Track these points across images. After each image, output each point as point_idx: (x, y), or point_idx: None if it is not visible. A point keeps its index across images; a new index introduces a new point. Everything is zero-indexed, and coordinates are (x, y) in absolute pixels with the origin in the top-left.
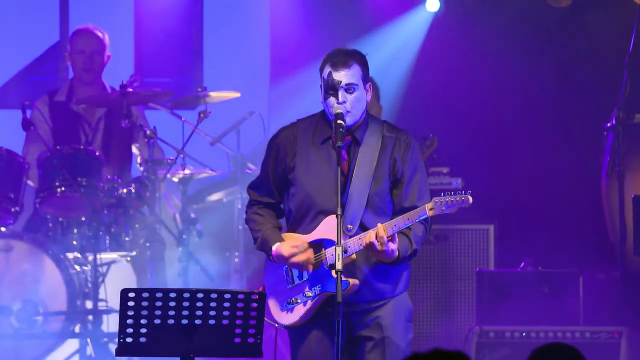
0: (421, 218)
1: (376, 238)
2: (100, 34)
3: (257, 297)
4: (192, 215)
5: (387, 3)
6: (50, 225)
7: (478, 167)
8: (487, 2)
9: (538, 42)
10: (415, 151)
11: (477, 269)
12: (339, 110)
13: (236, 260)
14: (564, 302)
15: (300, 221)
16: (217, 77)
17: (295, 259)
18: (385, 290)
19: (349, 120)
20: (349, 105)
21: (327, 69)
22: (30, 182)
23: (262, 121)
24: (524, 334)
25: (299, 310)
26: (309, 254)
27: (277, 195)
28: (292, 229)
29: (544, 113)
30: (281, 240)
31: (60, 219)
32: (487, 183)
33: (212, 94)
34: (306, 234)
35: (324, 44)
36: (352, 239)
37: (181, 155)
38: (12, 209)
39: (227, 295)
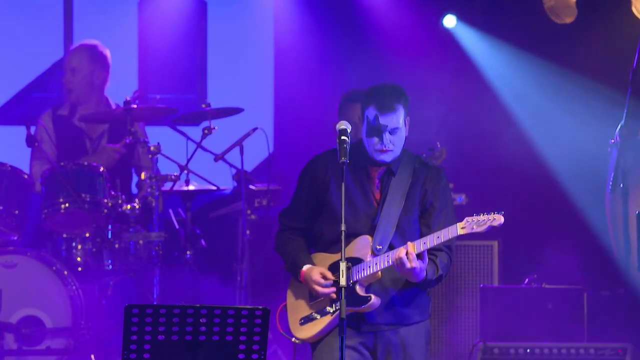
0: (452, 237)
1: (406, 255)
2: (102, 50)
3: (261, 313)
4: (196, 231)
5: (398, 19)
6: (55, 241)
7: (482, 183)
8: (496, 20)
9: (544, 58)
10: (445, 185)
11: (482, 285)
12: (342, 127)
13: (240, 276)
14: (568, 318)
15: (329, 242)
16: (221, 94)
17: (317, 288)
18: (409, 315)
19: (389, 157)
20: (391, 145)
21: (373, 111)
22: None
23: (266, 137)
24: (528, 350)
25: (318, 326)
26: (331, 289)
27: (307, 220)
28: (321, 249)
29: (548, 130)
30: (311, 262)
31: (65, 235)
32: (491, 199)
33: (216, 110)
34: (333, 254)
35: (330, 60)
36: (377, 257)
37: (185, 172)
38: (17, 225)
39: (231, 312)
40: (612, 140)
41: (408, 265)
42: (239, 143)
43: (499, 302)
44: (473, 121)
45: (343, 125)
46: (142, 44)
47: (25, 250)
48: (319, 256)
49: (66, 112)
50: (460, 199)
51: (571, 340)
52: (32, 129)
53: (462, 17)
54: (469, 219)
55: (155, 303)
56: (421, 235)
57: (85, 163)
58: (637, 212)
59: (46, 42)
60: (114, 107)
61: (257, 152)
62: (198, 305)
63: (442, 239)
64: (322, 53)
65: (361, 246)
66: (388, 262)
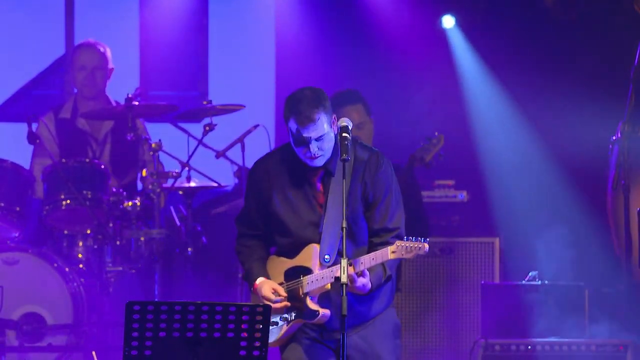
0: (383, 259)
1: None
2: (101, 49)
3: (262, 309)
4: (198, 228)
5: (397, 18)
6: (56, 237)
7: (483, 180)
8: (495, 17)
9: (545, 56)
10: (386, 171)
11: (483, 282)
12: (344, 124)
13: (241, 273)
14: (570, 315)
15: (283, 248)
16: (222, 90)
17: (268, 302)
18: (367, 311)
19: (321, 161)
20: (320, 152)
21: (294, 125)
22: (36, 195)
23: (267, 134)
24: (529, 347)
25: (276, 333)
26: (283, 304)
27: (261, 226)
28: (277, 253)
29: (549, 126)
30: (264, 274)
31: (66, 232)
32: (492, 196)
33: (217, 107)
34: (289, 259)
35: (331, 57)
36: (324, 271)
37: (186, 168)
38: (18, 222)
39: (232, 308)
40: (614, 137)
41: (350, 285)
42: (240, 140)
43: (500, 299)
44: (474, 118)
45: (344, 122)
46: (143, 41)
47: (26, 247)
48: (275, 260)
49: (68, 114)
50: (462, 196)
51: (572, 337)
52: (34, 126)
53: (461, 18)
54: (399, 243)
55: (156, 300)
56: (369, 229)
57: (87, 160)
58: (638, 209)
59: (47, 40)
60: (114, 104)
61: (258, 149)
62: (199, 302)
63: (376, 261)
64: (324, 50)
65: (309, 256)
66: (331, 278)
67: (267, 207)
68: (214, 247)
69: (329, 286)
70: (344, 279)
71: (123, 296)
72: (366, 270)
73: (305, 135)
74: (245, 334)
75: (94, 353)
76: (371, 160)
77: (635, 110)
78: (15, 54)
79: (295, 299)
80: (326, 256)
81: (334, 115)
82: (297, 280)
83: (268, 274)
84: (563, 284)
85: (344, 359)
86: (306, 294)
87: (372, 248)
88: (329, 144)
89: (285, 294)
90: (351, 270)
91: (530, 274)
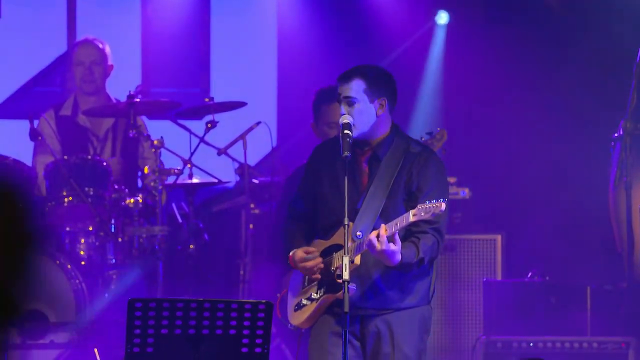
0: (407, 222)
1: (377, 237)
2: (100, 45)
3: (264, 307)
4: (200, 225)
5: (396, 13)
6: (58, 234)
7: (485, 177)
8: (496, 13)
9: (546, 53)
10: (433, 167)
11: (485, 279)
12: (345, 121)
13: (242, 270)
14: (572, 312)
15: (324, 229)
16: (224, 87)
17: (303, 264)
18: (395, 299)
19: (354, 132)
20: (350, 118)
21: (337, 81)
22: (38, 192)
23: (269, 131)
24: (531, 344)
25: (306, 312)
26: (317, 261)
27: (311, 204)
28: (319, 236)
29: (551, 123)
30: (300, 247)
31: (68, 229)
32: (494, 193)
33: (219, 104)
34: (326, 240)
35: (332, 54)
36: (354, 244)
37: (188, 166)
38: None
39: (234, 305)
40: (616, 134)
41: (378, 247)
42: (242, 137)
43: (502, 296)
44: (476, 115)
45: (346, 119)
46: (145, 38)
47: None
48: (314, 243)
49: (69, 111)
50: (464, 193)
51: (574, 335)
52: (35, 123)
53: (456, 14)
54: (420, 206)
55: (158, 297)
56: None
57: (89, 157)
58: (639, 206)
59: (49, 37)
60: (114, 101)
61: (260, 146)
62: (201, 299)
63: (399, 225)
64: (325, 47)
65: (342, 233)
66: (362, 247)
67: (316, 187)
68: (215, 244)
69: (358, 261)
70: (345, 276)
71: (125, 293)
72: (398, 239)
73: (338, 91)
74: (247, 331)
75: (96, 350)
76: (422, 154)
77: (637, 107)
78: (17, 51)
79: (327, 276)
80: (358, 233)
81: (383, 99)
82: (329, 257)
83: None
84: (565, 282)
85: (346, 356)
86: (336, 269)
87: (410, 236)
88: (361, 117)
89: (316, 251)
90: (382, 232)
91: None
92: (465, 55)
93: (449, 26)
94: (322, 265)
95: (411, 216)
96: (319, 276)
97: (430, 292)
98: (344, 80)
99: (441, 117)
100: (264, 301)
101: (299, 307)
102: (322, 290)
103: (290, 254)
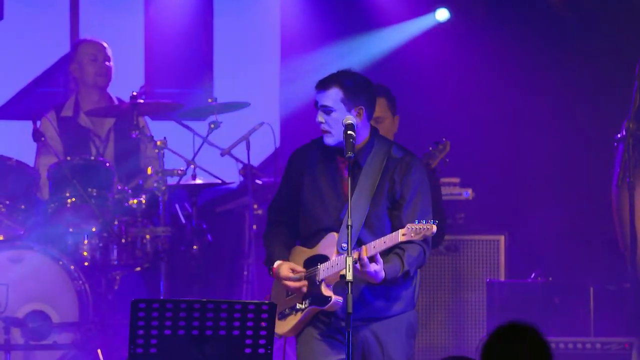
0: (395, 243)
1: (358, 260)
2: (105, 45)
3: (268, 307)
4: (203, 225)
5: (398, 14)
6: (61, 236)
7: (488, 178)
8: (496, 12)
9: (548, 52)
10: (416, 172)
11: (488, 280)
12: (349, 122)
13: (246, 271)
14: (575, 313)
15: (306, 237)
16: (228, 88)
17: (287, 283)
18: (382, 308)
19: (329, 140)
20: (326, 126)
21: (315, 88)
22: (41, 193)
23: (272, 132)
24: None
25: (290, 322)
26: (302, 283)
27: (290, 213)
28: (300, 243)
29: (554, 124)
30: (284, 258)
31: (71, 230)
32: (497, 193)
33: (222, 104)
34: (310, 248)
35: (336, 55)
36: (339, 257)
37: (191, 166)
38: (23, 219)
39: (238, 306)
40: (619, 135)
41: (360, 269)
42: (245, 138)
43: (506, 296)
44: (479, 115)
45: (350, 119)
46: (148, 38)
47: (31, 245)
48: (297, 250)
49: (70, 112)
50: (467, 193)
51: (577, 335)
52: (38, 124)
53: (456, 11)
54: (409, 226)
55: (162, 298)
56: (393, 228)
57: (92, 157)
58: None
59: (52, 37)
60: (116, 102)
61: (263, 146)
62: (205, 299)
63: (387, 244)
64: (328, 47)
65: (328, 243)
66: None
67: (297, 193)
68: (219, 245)
69: (343, 272)
70: (349, 276)
71: (128, 294)
72: (380, 257)
73: (316, 99)
74: (250, 332)
75: (99, 351)
76: (404, 160)
77: (639, 108)
78: (19, 52)
79: (312, 287)
80: (343, 244)
81: (360, 107)
82: (314, 268)
83: (289, 259)
84: (568, 282)
85: (350, 357)
86: (322, 281)
87: (397, 246)
88: (337, 125)
89: (303, 271)
90: (364, 253)
91: None
92: (466, 53)
93: (449, 23)
94: (306, 285)
95: (400, 236)
96: (304, 290)
97: (415, 296)
98: (321, 88)
99: (443, 117)
100: (267, 302)
101: (283, 316)
102: (307, 302)
103: (275, 265)
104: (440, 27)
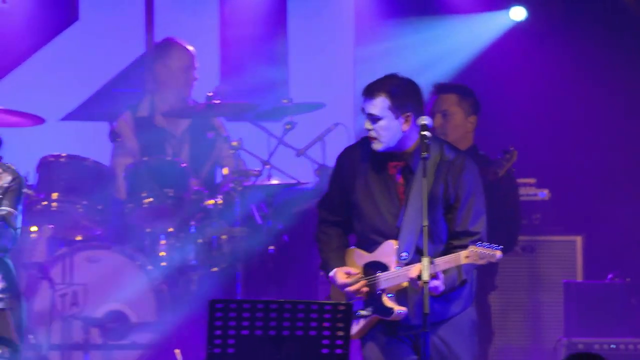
0: (457, 264)
1: (417, 277)
2: (190, 49)
3: (344, 308)
4: (279, 226)
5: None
6: (138, 236)
7: (565, 178)
8: (574, 13)
9: (624, 52)
10: (469, 174)
11: (565, 281)
12: (423, 122)
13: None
14: None
15: (363, 240)
16: (302, 89)
17: (346, 289)
18: (444, 310)
19: (377, 146)
20: (374, 133)
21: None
22: (118, 194)
23: (347, 133)
24: (612, 346)
25: (355, 326)
26: (360, 284)
27: (342, 212)
28: (357, 245)
29: (631, 124)
30: (340, 264)
31: (148, 230)
32: (574, 194)
33: (297, 105)
34: (368, 252)
35: (411, 54)
36: (401, 269)
37: (267, 167)
38: (100, 220)
39: (314, 306)
40: None
41: (420, 284)
42: (320, 138)
43: (583, 297)
44: (556, 116)
45: (424, 120)
46: (223, 38)
47: (109, 245)
48: (354, 253)
49: (145, 112)
50: (543, 194)
51: None
52: (115, 124)
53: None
54: (472, 249)
55: (238, 298)
56: (448, 231)
57: (168, 158)
58: None
59: (127, 38)
60: (191, 103)
61: (338, 147)
62: (282, 300)
63: (450, 264)
64: (402, 48)
65: (386, 252)
66: (406, 277)
67: (349, 194)
68: (295, 245)
69: (406, 284)
70: (425, 277)
71: (205, 294)
72: (440, 272)
73: (362, 106)
74: (327, 332)
75: (177, 351)
76: (456, 161)
77: None
78: (95, 53)
79: (373, 295)
80: (403, 254)
81: (408, 114)
82: (373, 276)
83: (345, 264)
84: None
85: (427, 358)
86: (382, 291)
87: (450, 249)
88: (385, 132)
89: (359, 275)
90: (423, 273)
91: None
92: (543, 53)
93: (526, 23)
94: (366, 288)
95: (463, 259)
96: (365, 296)
97: (473, 292)
98: (368, 96)
99: (518, 117)
100: (343, 302)
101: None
102: (369, 309)
103: (331, 274)
104: (516, 26)
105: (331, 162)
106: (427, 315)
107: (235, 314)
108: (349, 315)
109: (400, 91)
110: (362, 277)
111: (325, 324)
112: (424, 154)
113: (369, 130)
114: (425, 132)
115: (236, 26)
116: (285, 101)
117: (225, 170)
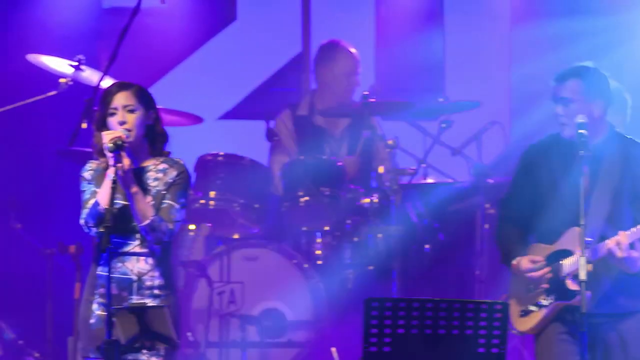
0: None
1: (617, 245)
2: (356, 54)
3: (501, 307)
4: (434, 224)
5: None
6: (295, 234)
7: None
8: None
9: None
10: None
11: None
12: (581, 120)
13: (478, 270)
14: None
15: (544, 233)
16: (458, 87)
17: (530, 274)
18: (627, 304)
19: (568, 132)
20: (565, 119)
21: (553, 82)
22: (276, 191)
23: (503, 131)
24: None
25: (534, 318)
26: (545, 270)
27: (524, 209)
28: (538, 240)
29: None
30: (523, 254)
31: (304, 228)
32: None
33: (453, 104)
34: (550, 244)
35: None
36: (591, 248)
37: (423, 165)
38: (257, 218)
39: (470, 305)
40: None
41: (619, 254)
42: (476, 137)
43: None
44: None
45: (582, 118)
46: (379, 37)
47: (265, 244)
48: (536, 247)
49: (305, 111)
50: None
51: None
52: (271, 123)
53: None
54: None
55: (394, 296)
56: (635, 222)
57: (324, 157)
58: None
59: (284, 37)
60: (349, 101)
61: (494, 146)
62: (437, 299)
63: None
64: (558, 46)
65: (570, 238)
66: (598, 254)
67: (533, 189)
68: (450, 244)
69: (590, 267)
70: (582, 276)
71: (361, 292)
72: (639, 246)
73: (554, 91)
74: (483, 331)
75: (333, 350)
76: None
77: None
78: (253, 52)
79: (556, 282)
80: (587, 238)
81: (600, 101)
82: (556, 263)
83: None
84: None
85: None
86: (567, 275)
87: None
88: (575, 116)
89: (543, 261)
90: (622, 239)
91: None
92: None
93: None
94: (550, 275)
95: None
96: (547, 285)
97: None
98: (560, 80)
99: None
100: (500, 301)
101: (526, 313)
102: (551, 297)
103: (514, 262)
104: None
105: (487, 160)
106: (584, 314)
107: (391, 312)
108: (506, 315)
109: (592, 77)
110: (546, 264)
111: (482, 323)
112: (582, 152)
113: (560, 116)
114: (582, 131)
115: (392, 23)
116: (441, 100)
117: (381, 169)
